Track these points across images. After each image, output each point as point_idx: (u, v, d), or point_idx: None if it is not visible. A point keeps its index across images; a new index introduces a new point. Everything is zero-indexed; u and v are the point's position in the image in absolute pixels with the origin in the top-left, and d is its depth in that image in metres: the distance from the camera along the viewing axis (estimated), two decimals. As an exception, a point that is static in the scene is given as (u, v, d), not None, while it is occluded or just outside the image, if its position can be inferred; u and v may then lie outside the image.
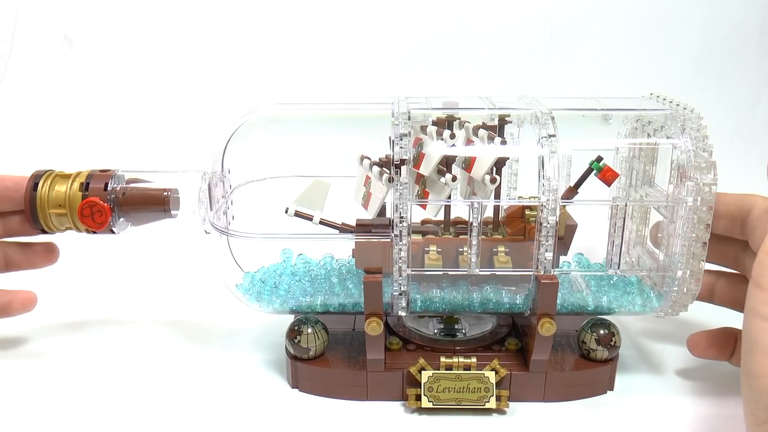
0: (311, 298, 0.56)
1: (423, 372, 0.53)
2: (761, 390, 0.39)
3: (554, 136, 0.51)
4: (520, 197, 0.60)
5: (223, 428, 0.52)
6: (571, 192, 0.55)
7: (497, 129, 0.55)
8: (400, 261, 0.51)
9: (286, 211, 0.54)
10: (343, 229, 0.54)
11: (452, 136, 0.52)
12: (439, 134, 0.51)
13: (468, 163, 0.53)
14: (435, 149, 0.51)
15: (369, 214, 0.54)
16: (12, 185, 0.55)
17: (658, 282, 0.56)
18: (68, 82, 0.99)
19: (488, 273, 0.54)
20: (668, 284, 0.53)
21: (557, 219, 0.50)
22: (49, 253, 0.60)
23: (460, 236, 0.57)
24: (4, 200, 0.55)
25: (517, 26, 1.00)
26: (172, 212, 0.56)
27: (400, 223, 0.50)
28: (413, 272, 0.53)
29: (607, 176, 0.54)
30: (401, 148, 0.50)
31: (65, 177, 0.55)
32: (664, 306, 0.54)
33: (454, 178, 0.51)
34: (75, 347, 0.63)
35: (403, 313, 0.54)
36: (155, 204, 0.55)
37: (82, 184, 0.54)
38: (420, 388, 0.52)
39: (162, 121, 0.98)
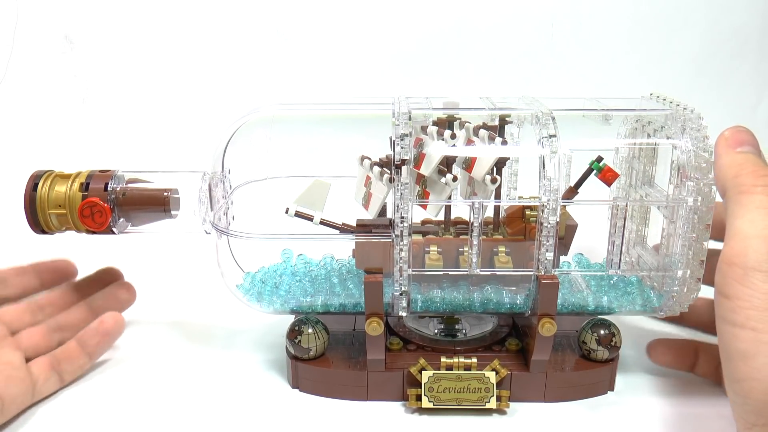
0: (312, 299, 0.56)
1: (423, 372, 0.52)
2: (745, 394, 0.40)
3: (555, 136, 0.51)
4: (520, 197, 0.60)
5: (224, 428, 0.51)
6: (572, 192, 0.55)
7: (498, 129, 0.55)
8: (400, 261, 0.51)
9: (287, 212, 0.54)
10: (344, 229, 0.54)
11: (453, 137, 0.52)
12: (440, 134, 0.51)
13: (468, 164, 0.53)
14: (436, 149, 0.51)
15: (369, 215, 0.54)
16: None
17: (658, 282, 0.56)
18: (69, 83, 0.99)
19: (489, 273, 0.54)
20: (668, 284, 0.53)
21: (558, 219, 0.50)
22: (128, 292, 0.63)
23: (461, 236, 0.57)
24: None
25: (518, 26, 0.99)
26: (172, 212, 0.56)
27: (401, 223, 0.50)
28: (414, 272, 0.53)
29: (608, 176, 0.54)
30: (402, 148, 0.50)
31: (65, 177, 0.55)
32: (665, 306, 0.54)
33: (454, 179, 0.51)
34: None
35: (403, 314, 0.54)
36: (155, 204, 0.55)
37: (82, 184, 0.54)
38: (420, 388, 0.52)
39: (162, 122, 0.98)
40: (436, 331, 0.59)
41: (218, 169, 0.57)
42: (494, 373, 0.52)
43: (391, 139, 0.51)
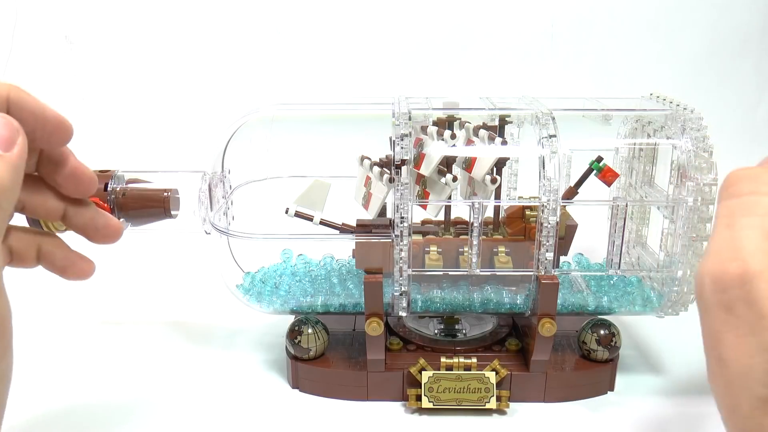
0: (312, 299, 0.56)
1: (423, 372, 0.52)
2: None
3: (555, 136, 0.51)
4: (520, 197, 0.60)
5: (224, 428, 0.51)
6: (572, 192, 0.55)
7: (498, 129, 0.55)
8: (400, 261, 0.51)
9: (287, 212, 0.54)
10: (344, 229, 0.54)
11: (453, 137, 0.52)
12: (440, 134, 0.51)
13: (468, 164, 0.53)
14: (435, 149, 0.51)
15: (369, 215, 0.54)
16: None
17: (658, 282, 0.56)
18: (69, 83, 0.99)
19: (489, 273, 0.54)
20: (668, 284, 0.53)
21: (558, 219, 0.50)
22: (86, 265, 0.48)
23: (461, 236, 0.57)
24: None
25: (518, 26, 0.99)
26: (172, 213, 0.56)
27: (401, 223, 0.50)
28: (414, 272, 0.53)
29: (608, 176, 0.54)
30: (402, 148, 0.50)
31: (65, 177, 0.55)
32: (665, 306, 0.54)
33: (454, 179, 0.51)
34: (76, 347, 0.63)
35: (403, 314, 0.54)
36: (155, 204, 0.55)
37: (82, 184, 0.54)
38: (420, 388, 0.52)
39: (162, 121, 0.98)
40: (436, 331, 0.59)
41: (218, 169, 0.57)
42: (494, 373, 0.52)
43: (391, 139, 0.51)
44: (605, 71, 1.01)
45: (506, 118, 0.56)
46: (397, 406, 0.54)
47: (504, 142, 0.53)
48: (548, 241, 0.51)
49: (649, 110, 0.56)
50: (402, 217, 0.50)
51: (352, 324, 0.61)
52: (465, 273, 0.53)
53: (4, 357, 0.40)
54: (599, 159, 0.54)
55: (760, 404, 0.32)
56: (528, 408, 0.54)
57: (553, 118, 0.52)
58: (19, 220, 0.46)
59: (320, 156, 0.60)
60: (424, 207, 0.55)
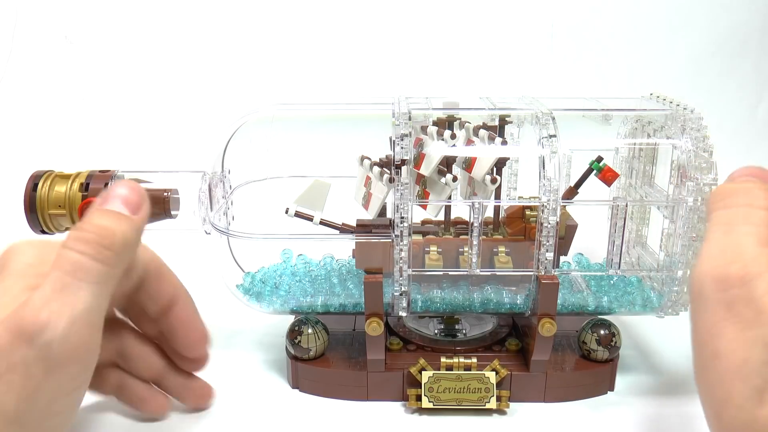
0: (312, 299, 0.56)
1: (423, 372, 0.52)
2: None
3: (555, 136, 0.51)
4: (520, 197, 0.60)
5: (224, 428, 0.51)
6: (572, 192, 0.55)
7: (498, 129, 0.55)
8: (400, 261, 0.51)
9: (287, 212, 0.54)
10: (344, 229, 0.54)
11: (453, 137, 0.52)
12: (440, 134, 0.51)
13: (468, 164, 0.53)
14: (435, 149, 0.51)
15: (369, 215, 0.54)
16: None
17: (658, 282, 0.56)
18: (69, 83, 0.99)
19: (489, 273, 0.54)
20: (668, 284, 0.53)
21: (558, 219, 0.50)
22: (204, 395, 0.53)
23: (461, 236, 0.57)
24: None
25: (517, 26, 1.00)
26: (172, 213, 0.56)
27: (401, 223, 0.50)
28: (414, 272, 0.53)
29: (608, 176, 0.54)
30: (402, 148, 0.50)
31: (65, 177, 0.55)
32: (665, 306, 0.54)
33: (454, 179, 0.51)
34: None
35: (403, 314, 0.54)
36: (155, 205, 0.55)
37: (82, 184, 0.54)
38: (420, 388, 0.52)
39: (162, 121, 0.98)
40: (436, 331, 0.59)
41: (218, 169, 0.57)
42: (494, 373, 0.52)
43: (391, 139, 0.51)
44: (605, 71, 1.01)
45: (506, 118, 0.56)
46: (397, 406, 0.54)
47: (504, 142, 0.53)
48: (548, 241, 0.51)
49: (649, 110, 0.56)
50: (402, 217, 0.50)
51: (352, 324, 0.61)
52: (465, 273, 0.53)
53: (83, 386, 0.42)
54: (599, 159, 0.54)
55: (754, 394, 0.34)
56: (528, 408, 0.54)
57: (553, 118, 0.52)
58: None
59: (320, 156, 0.60)
60: (424, 207, 0.55)
